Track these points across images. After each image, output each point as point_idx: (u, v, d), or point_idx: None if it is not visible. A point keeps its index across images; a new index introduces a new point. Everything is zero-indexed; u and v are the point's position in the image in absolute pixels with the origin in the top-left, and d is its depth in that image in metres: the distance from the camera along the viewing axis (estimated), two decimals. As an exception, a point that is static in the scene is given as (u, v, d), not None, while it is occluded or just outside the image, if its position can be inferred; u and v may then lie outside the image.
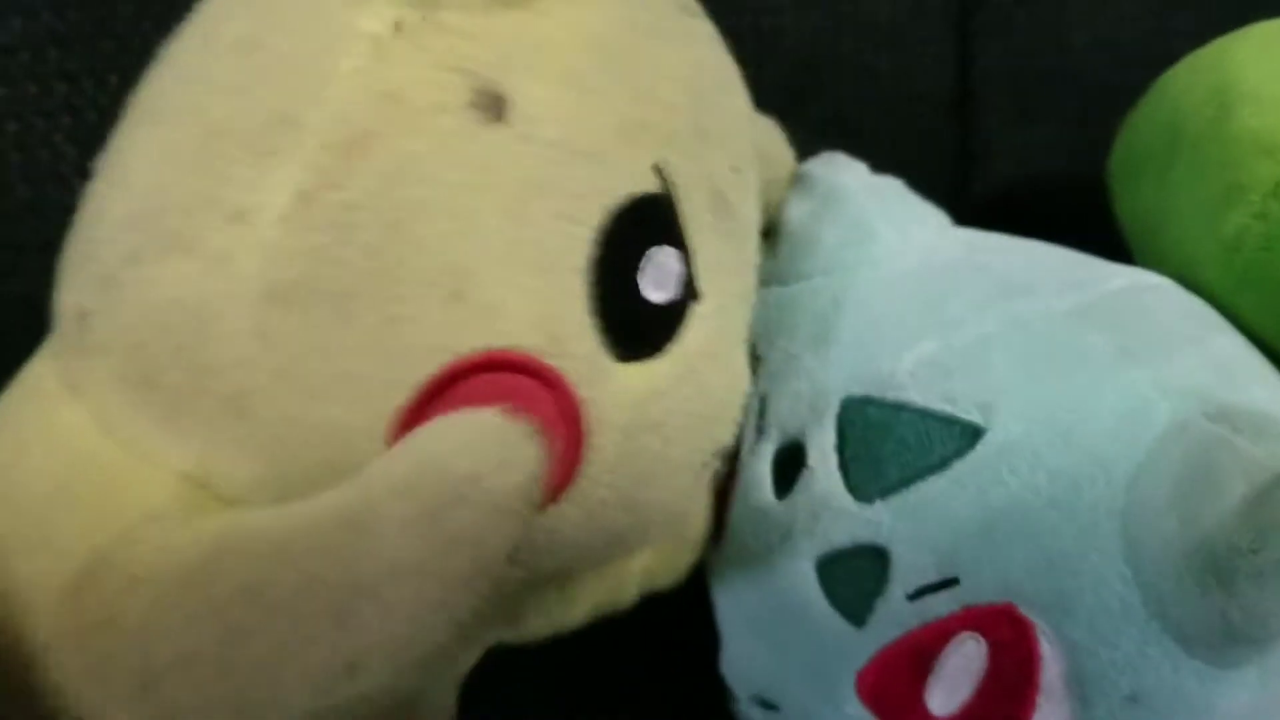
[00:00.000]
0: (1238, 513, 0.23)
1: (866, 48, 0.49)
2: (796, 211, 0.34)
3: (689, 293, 0.27)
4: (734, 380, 0.29)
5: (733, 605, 0.32)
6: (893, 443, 0.28)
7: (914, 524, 0.27)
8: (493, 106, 0.24)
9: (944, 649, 0.26)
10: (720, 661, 0.33)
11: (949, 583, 0.27)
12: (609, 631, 0.31)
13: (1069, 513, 0.25)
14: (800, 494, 0.29)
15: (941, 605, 0.27)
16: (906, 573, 0.27)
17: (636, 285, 0.26)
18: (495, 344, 0.24)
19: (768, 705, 0.31)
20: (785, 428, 0.30)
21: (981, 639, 0.26)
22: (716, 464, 0.29)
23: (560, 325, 0.24)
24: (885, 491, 0.28)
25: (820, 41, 0.48)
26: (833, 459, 0.29)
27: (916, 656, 0.27)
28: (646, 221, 0.26)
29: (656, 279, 0.26)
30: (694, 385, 0.27)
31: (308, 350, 0.23)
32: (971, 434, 0.27)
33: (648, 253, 0.26)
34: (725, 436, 0.29)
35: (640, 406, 0.26)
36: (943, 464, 0.27)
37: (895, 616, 0.27)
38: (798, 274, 0.33)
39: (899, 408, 0.28)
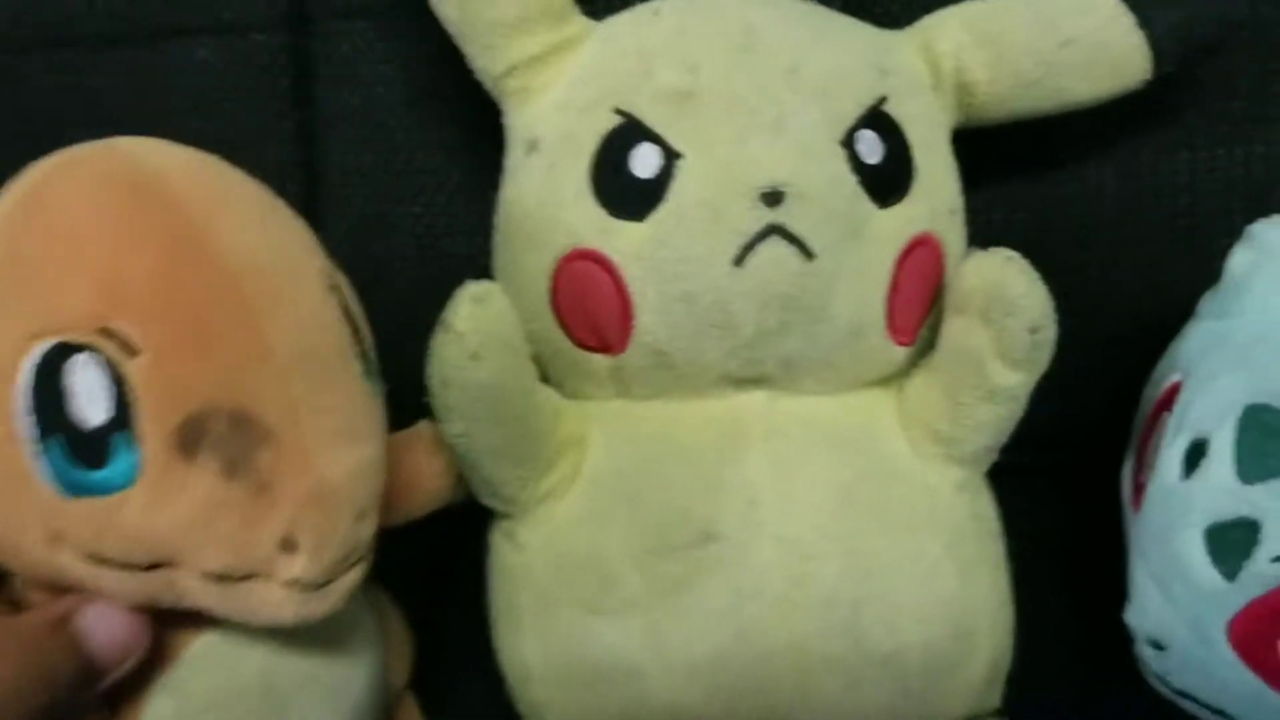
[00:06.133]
0: None
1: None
2: (1239, 260, 0.42)
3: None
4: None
5: (1142, 562, 0.40)
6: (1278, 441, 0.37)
7: (1283, 503, 0.37)
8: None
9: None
10: (1127, 611, 0.41)
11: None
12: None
13: None
14: (1198, 478, 0.38)
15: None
16: (1272, 541, 0.36)
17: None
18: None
19: (1158, 646, 0.39)
20: (1197, 428, 0.39)
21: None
22: None
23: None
24: (1265, 477, 0.37)
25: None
26: (1229, 451, 0.37)
27: (1277, 610, 0.36)
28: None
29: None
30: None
31: None
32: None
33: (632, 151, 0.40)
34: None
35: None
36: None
37: (1260, 576, 0.36)
38: (1230, 312, 0.42)
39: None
